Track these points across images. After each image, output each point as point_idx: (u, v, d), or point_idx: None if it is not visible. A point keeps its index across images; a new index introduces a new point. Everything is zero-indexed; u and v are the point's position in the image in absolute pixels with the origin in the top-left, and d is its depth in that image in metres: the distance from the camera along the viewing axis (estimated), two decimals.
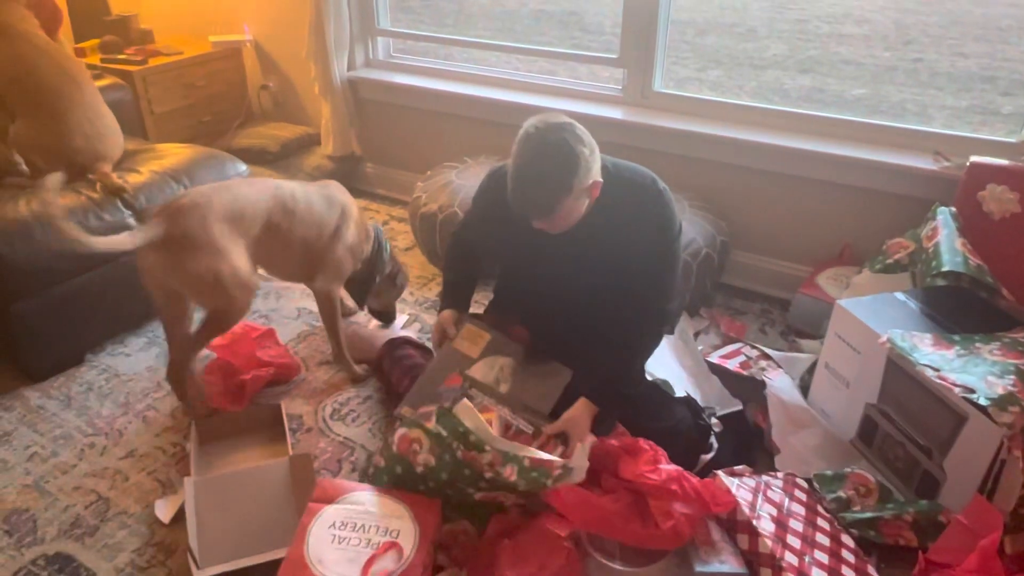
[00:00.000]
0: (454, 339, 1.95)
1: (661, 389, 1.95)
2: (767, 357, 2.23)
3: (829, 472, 1.85)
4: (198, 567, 1.59)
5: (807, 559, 1.57)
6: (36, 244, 2.16)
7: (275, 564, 1.52)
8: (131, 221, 2.35)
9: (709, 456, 1.87)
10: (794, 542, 1.60)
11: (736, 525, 1.63)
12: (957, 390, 1.62)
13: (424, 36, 3.61)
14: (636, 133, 2.78)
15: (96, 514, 1.84)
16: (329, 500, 1.61)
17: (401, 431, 1.67)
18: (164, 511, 1.83)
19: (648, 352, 1.84)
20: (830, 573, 1.55)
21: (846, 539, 1.67)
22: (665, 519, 1.53)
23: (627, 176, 1.74)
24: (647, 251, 1.74)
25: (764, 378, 2.10)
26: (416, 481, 1.66)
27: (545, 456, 1.60)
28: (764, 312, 2.68)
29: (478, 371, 1.90)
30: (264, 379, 2.21)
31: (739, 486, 1.68)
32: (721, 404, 2.07)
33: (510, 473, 1.57)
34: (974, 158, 2.20)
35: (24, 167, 2.43)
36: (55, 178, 1.99)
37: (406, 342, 2.25)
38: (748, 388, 2.12)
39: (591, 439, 1.68)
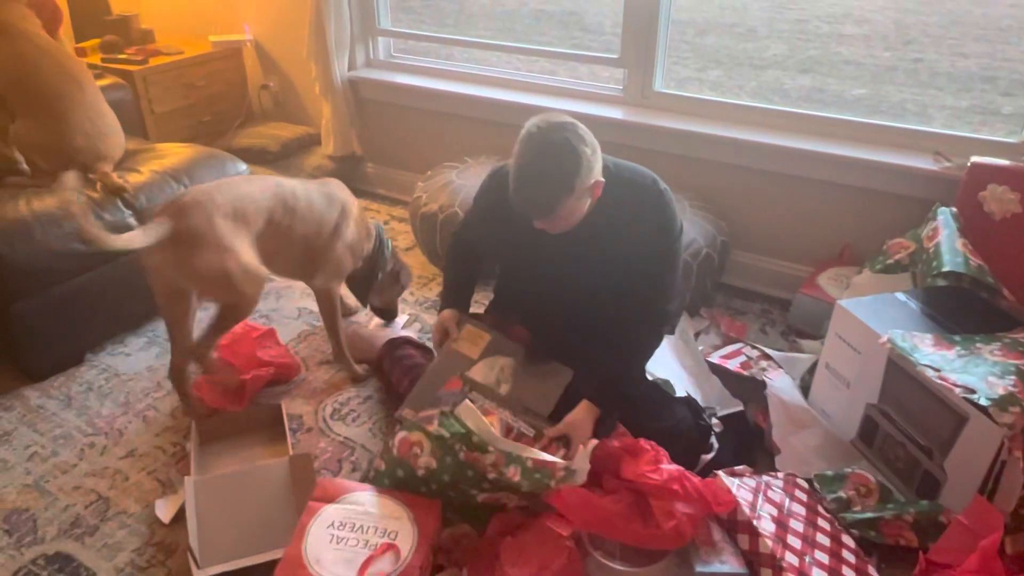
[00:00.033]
0: (454, 340, 1.95)
1: (662, 389, 1.95)
2: (767, 357, 2.23)
3: (830, 472, 1.85)
4: (198, 567, 1.59)
5: (807, 559, 1.57)
6: (36, 244, 2.16)
7: (275, 564, 1.52)
8: (132, 221, 2.35)
9: (710, 456, 1.87)
10: (795, 542, 1.60)
11: (737, 525, 1.63)
12: (958, 390, 1.62)
13: (425, 36, 3.61)
14: (636, 133, 2.78)
15: (96, 514, 1.84)
16: (329, 499, 1.61)
17: (401, 434, 1.66)
18: (164, 511, 1.83)
19: (649, 352, 1.84)
20: (830, 573, 1.55)
21: (847, 539, 1.67)
22: (667, 519, 1.53)
23: (628, 176, 1.74)
24: (648, 251, 1.74)
25: (764, 378, 2.10)
26: (417, 484, 1.65)
27: (548, 457, 1.59)
28: (764, 312, 2.68)
29: (478, 372, 1.90)
30: (264, 379, 2.21)
31: (739, 486, 1.68)
32: (722, 404, 2.07)
33: (513, 474, 1.56)
34: (975, 158, 2.20)
35: (24, 166, 2.43)
36: (72, 177, 1.99)
37: (406, 342, 2.25)
38: (748, 388, 2.12)
39: (593, 442, 1.68)
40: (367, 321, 2.60)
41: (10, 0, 2.41)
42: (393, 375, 2.13)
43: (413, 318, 2.64)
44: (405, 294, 2.64)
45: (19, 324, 2.19)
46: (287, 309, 2.68)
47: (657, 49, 2.77)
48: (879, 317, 1.89)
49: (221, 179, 2.10)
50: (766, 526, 1.61)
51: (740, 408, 2.07)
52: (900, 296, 1.99)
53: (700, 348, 2.32)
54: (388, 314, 2.51)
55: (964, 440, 1.65)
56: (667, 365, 2.09)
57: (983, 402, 1.57)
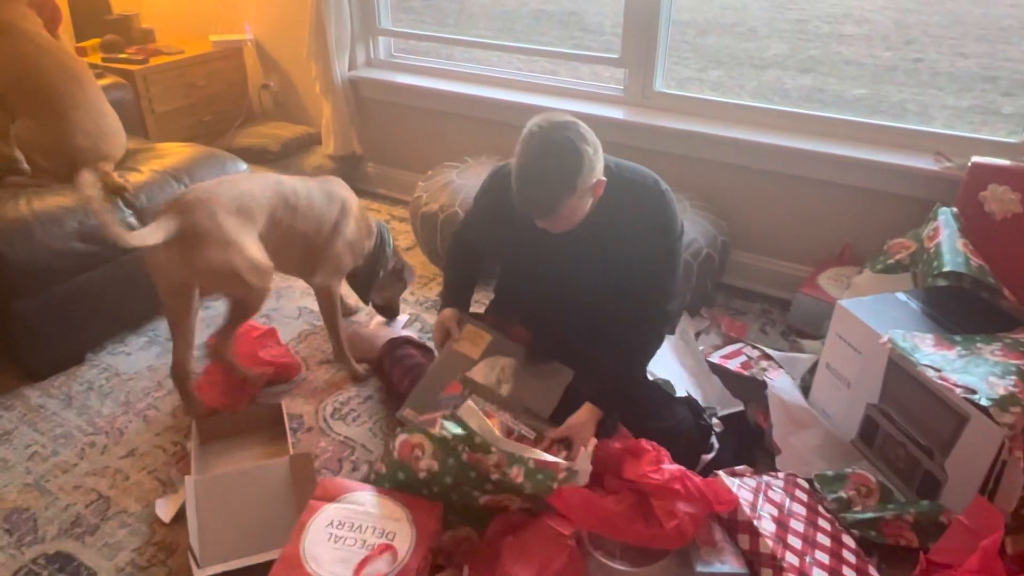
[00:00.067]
0: (456, 340, 1.95)
1: (662, 389, 1.95)
2: (768, 357, 2.23)
3: (830, 472, 1.85)
4: (199, 566, 1.59)
5: (808, 559, 1.57)
6: (36, 243, 2.16)
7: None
8: (132, 220, 2.35)
9: (710, 456, 1.87)
10: (795, 542, 1.60)
11: (737, 525, 1.63)
12: (958, 391, 1.62)
13: (425, 36, 3.61)
14: (637, 133, 2.78)
15: (96, 513, 1.84)
16: (330, 498, 1.61)
17: (402, 437, 1.65)
18: (165, 510, 1.83)
19: (650, 353, 1.84)
20: (831, 573, 1.55)
21: (847, 539, 1.67)
22: (669, 518, 1.53)
23: (629, 177, 1.74)
24: (648, 252, 1.74)
25: (765, 378, 2.10)
26: (419, 486, 1.65)
27: (550, 458, 1.59)
28: (765, 312, 2.68)
29: (479, 372, 1.89)
30: (265, 379, 2.21)
31: (740, 486, 1.68)
32: (722, 404, 2.07)
33: (516, 474, 1.56)
34: (975, 158, 2.20)
35: (25, 165, 2.43)
36: (89, 176, 1.98)
37: (407, 342, 2.25)
38: (749, 388, 2.12)
39: (594, 442, 1.68)
40: (367, 321, 2.60)
41: None
42: (394, 375, 2.13)
43: (413, 318, 2.64)
44: (405, 294, 2.64)
45: (20, 323, 2.19)
46: (287, 309, 2.68)
47: (658, 49, 2.77)
48: (880, 317, 1.89)
49: (222, 177, 2.10)
50: (766, 526, 1.61)
51: (740, 408, 2.07)
52: (901, 296, 1.99)
53: (700, 348, 2.32)
54: (390, 312, 2.51)
55: (965, 440, 1.65)
56: (667, 365, 2.09)
57: (984, 402, 1.57)
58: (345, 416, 2.17)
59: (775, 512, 1.66)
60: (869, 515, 1.73)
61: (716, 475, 1.72)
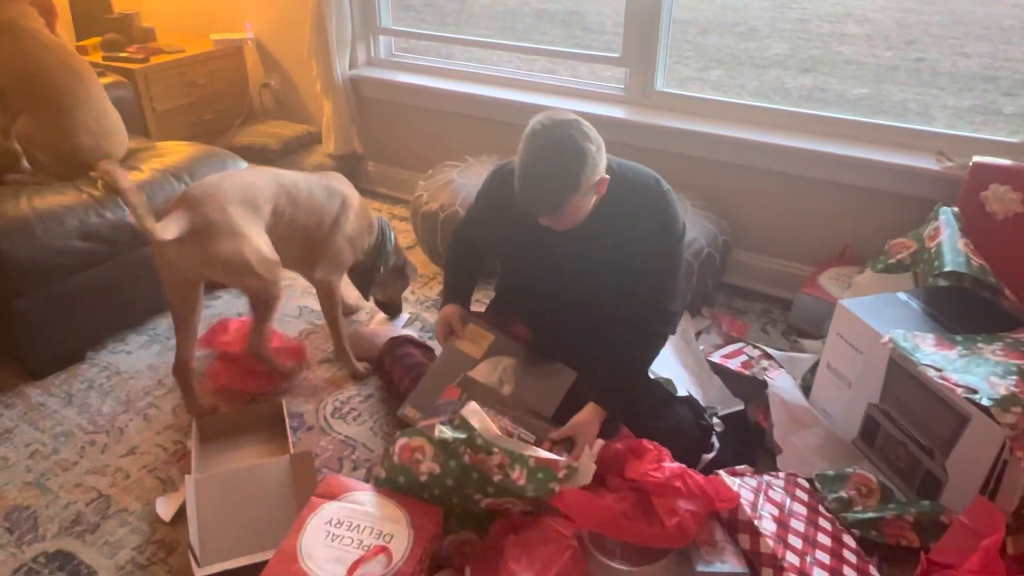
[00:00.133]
0: (458, 339, 1.94)
1: (663, 388, 1.94)
2: (769, 357, 2.23)
3: (831, 472, 1.84)
4: (199, 565, 1.58)
5: (808, 559, 1.57)
6: (37, 241, 2.16)
7: None
8: (132, 219, 2.35)
9: (711, 456, 1.87)
10: (795, 542, 1.60)
11: (737, 525, 1.63)
12: (959, 390, 1.62)
13: (426, 35, 3.61)
14: (638, 132, 2.78)
15: (97, 511, 1.84)
16: (332, 496, 1.60)
17: (402, 441, 1.63)
18: (165, 509, 1.83)
19: (653, 353, 1.84)
20: (832, 573, 1.55)
21: (848, 539, 1.67)
22: (670, 516, 1.53)
23: (631, 176, 1.74)
24: (650, 252, 1.74)
25: (766, 378, 2.10)
26: (420, 490, 1.63)
27: (550, 456, 1.59)
28: (765, 312, 2.68)
29: (481, 372, 1.89)
30: (298, 368, 2.28)
31: (740, 486, 1.68)
32: (723, 404, 2.07)
33: (518, 476, 1.55)
34: (977, 158, 2.20)
35: (26, 163, 2.43)
36: (120, 170, 1.96)
37: (407, 341, 2.25)
38: (750, 388, 2.12)
39: (599, 443, 1.68)
40: (368, 320, 2.60)
41: None
42: (394, 374, 2.13)
43: (414, 317, 2.64)
44: (406, 293, 2.63)
45: (20, 321, 2.19)
46: (288, 308, 2.68)
47: (659, 48, 2.76)
48: (880, 317, 1.89)
49: (225, 172, 2.11)
50: (767, 526, 1.61)
51: (741, 408, 2.07)
52: (902, 296, 1.99)
53: (701, 347, 2.32)
54: (392, 308, 2.51)
55: (965, 440, 1.65)
56: (668, 364, 2.09)
57: (985, 402, 1.57)
58: (346, 415, 2.17)
59: (776, 512, 1.66)
60: (870, 515, 1.73)
61: (717, 474, 1.72)
